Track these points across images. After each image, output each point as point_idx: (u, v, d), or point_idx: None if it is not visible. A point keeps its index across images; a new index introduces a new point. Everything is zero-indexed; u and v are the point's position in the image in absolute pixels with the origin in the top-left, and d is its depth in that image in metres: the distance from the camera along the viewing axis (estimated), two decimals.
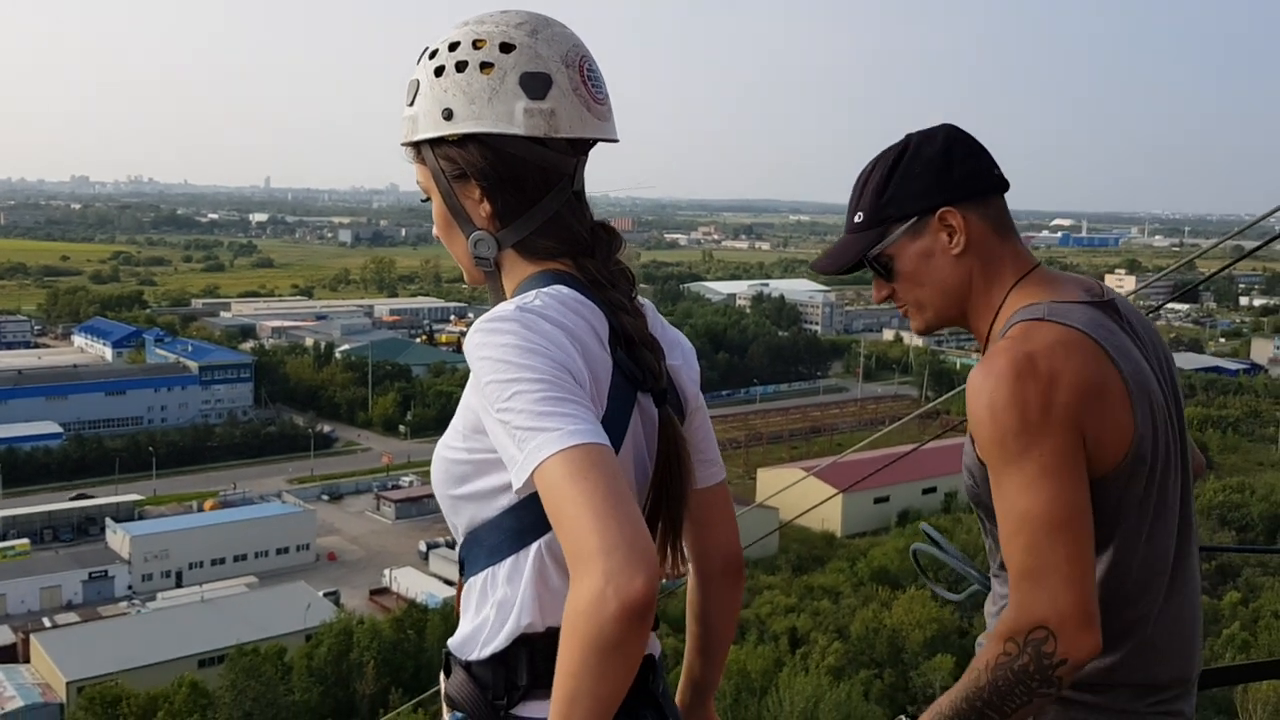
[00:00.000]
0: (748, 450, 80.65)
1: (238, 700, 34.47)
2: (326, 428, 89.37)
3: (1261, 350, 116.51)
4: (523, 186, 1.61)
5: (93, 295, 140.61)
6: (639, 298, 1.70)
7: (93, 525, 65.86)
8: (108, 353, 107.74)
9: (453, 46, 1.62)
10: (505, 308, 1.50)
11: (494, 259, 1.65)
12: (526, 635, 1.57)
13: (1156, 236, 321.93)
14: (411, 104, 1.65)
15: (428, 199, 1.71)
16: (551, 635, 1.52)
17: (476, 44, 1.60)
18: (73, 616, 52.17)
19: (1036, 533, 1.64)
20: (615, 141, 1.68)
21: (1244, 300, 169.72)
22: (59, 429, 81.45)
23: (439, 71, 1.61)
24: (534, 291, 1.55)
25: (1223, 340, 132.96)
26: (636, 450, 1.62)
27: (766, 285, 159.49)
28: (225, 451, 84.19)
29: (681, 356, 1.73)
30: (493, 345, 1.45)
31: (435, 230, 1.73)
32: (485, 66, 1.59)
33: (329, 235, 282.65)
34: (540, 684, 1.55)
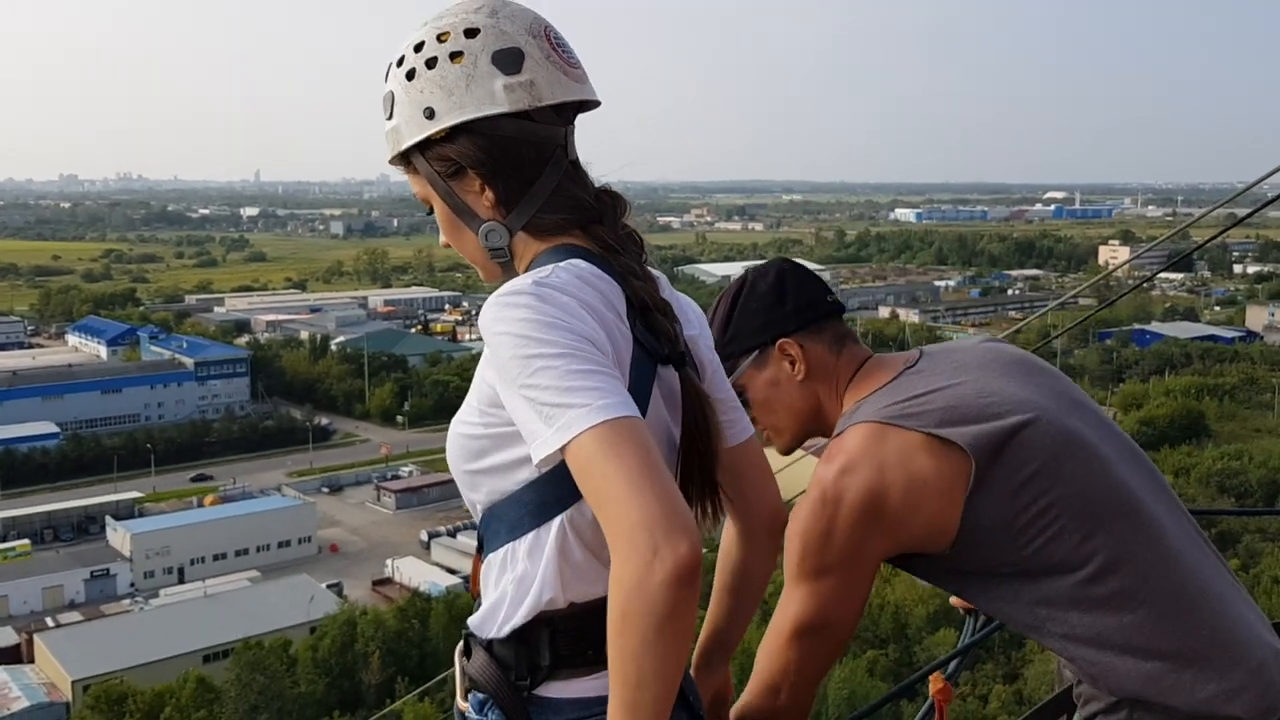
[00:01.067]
0: None
1: (243, 694, 34.55)
2: (324, 420, 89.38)
3: (1257, 317, 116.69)
4: (520, 165, 1.61)
5: (85, 294, 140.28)
6: (650, 269, 1.68)
7: (93, 524, 65.90)
8: (102, 351, 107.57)
9: (418, 48, 1.62)
10: (521, 282, 1.49)
11: (508, 246, 1.64)
12: (547, 612, 1.56)
13: (1150, 207, 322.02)
14: (390, 117, 1.64)
15: (431, 211, 1.69)
16: (573, 611, 1.55)
17: (441, 38, 1.60)
18: (76, 616, 52.27)
19: (798, 627, 1.91)
20: (598, 104, 1.67)
21: (1238, 268, 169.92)
22: (56, 429, 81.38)
23: (411, 75, 1.61)
24: (549, 266, 1.53)
25: (1218, 308, 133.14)
26: (660, 421, 1.61)
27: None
28: (223, 447, 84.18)
29: (697, 325, 1.75)
30: (510, 320, 1.44)
31: (443, 238, 1.71)
32: (455, 56, 1.59)
33: (321, 227, 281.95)
34: (563, 664, 1.57)
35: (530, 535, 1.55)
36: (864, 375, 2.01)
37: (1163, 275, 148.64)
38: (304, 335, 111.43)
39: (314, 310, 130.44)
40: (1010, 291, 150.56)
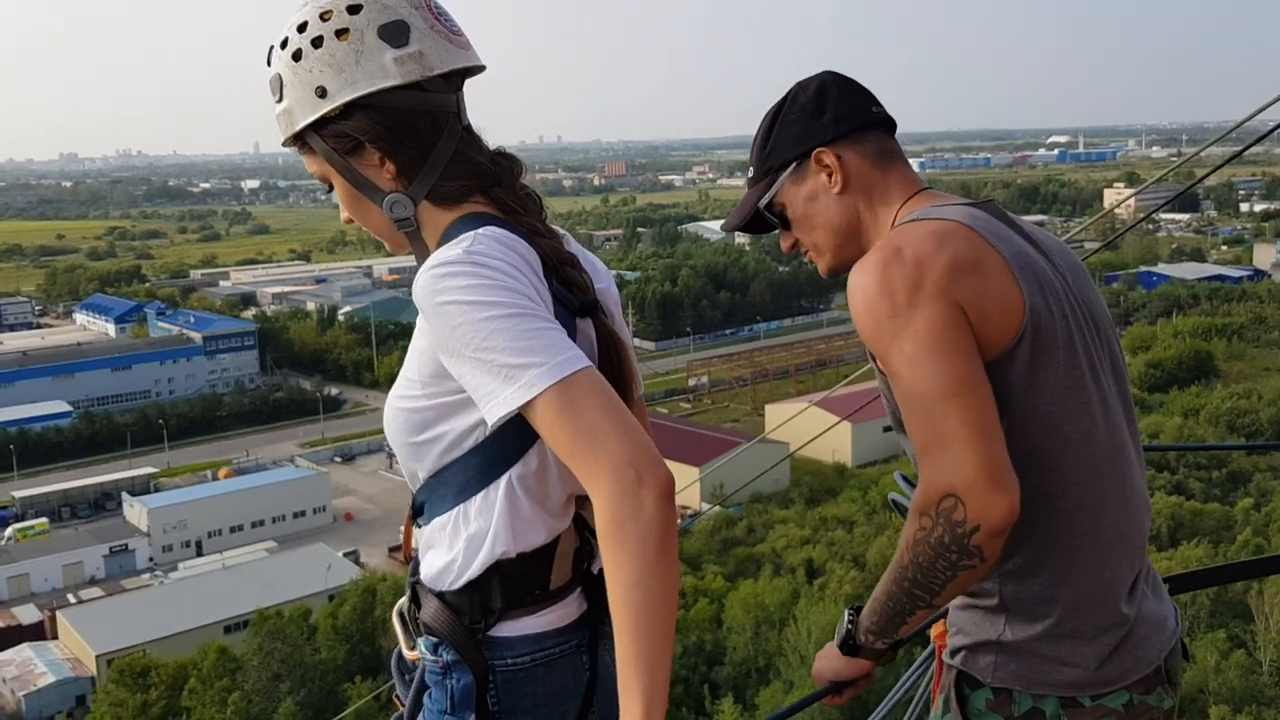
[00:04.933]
0: (754, 387, 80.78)
1: (265, 663, 34.88)
2: (334, 390, 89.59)
3: (1264, 256, 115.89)
4: (417, 135, 1.63)
5: (91, 272, 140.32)
6: (552, 225, 1.72)
7: (109, 500, 66.33)
8: (110, 329, 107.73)
9: (301, 28, 1.63)
10: (451, 252, 1.51)
11: (412, 216, 1.66)
12: (499, 562, 1.61)
13: (1154, 148, 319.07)
14: (280, 99, 1.66)
15: (330, 189, 1.71)
16: (523, 559, 1.60)
17: (324, 16, 1.61)
18: (97, 591, 52.72)
19: (929, 405, 1.63)
20: (483, 68, 1.70)
21: (1244, 207, 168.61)
22: (68, 408, 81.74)
23: (297, 56, 1.62)
24: (469, 234, 1.56)
25: (1224, 248, 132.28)
26: None
27: None
28: (235, 420, 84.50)
29: (605, 279, 1.76)
30: (453, 289, 1.46)
31: (344, 214, 1.74)
32: (341, 33, 1.60)
33: (323, 198, 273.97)
34: (514, 605, 1.63)
35: (479, 496, 1.61)
36: (932, 197, 1.87)
37: (1168, 216, 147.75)
38: (310, 306, 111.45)
39: (319, 281, 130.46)
40: None
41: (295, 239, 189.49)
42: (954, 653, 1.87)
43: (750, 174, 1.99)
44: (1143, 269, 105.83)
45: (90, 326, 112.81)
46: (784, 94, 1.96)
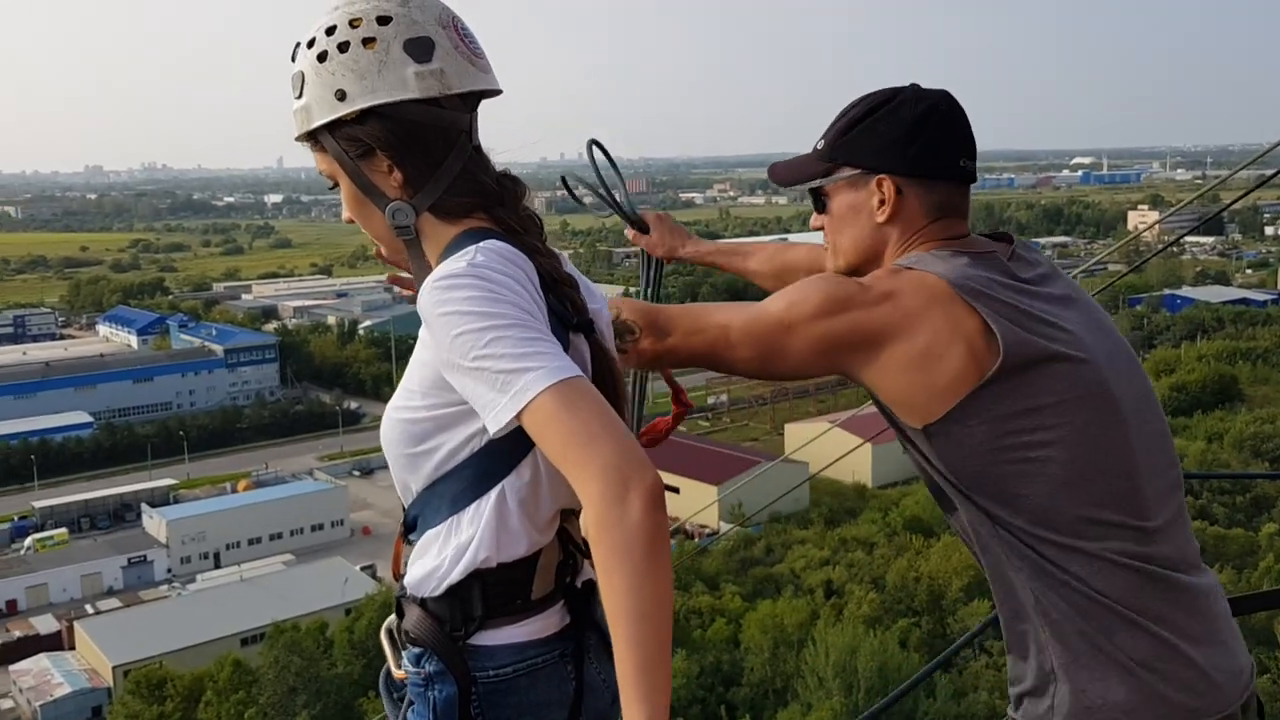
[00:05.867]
0: (774, 406, 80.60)
1: (281, 676, 34.88)
2: (353, 404, 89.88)
3: None
4: (428, 149, 1.67)
5: (114, 284, 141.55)
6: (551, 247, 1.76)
7: (129, 511, 66.66)
8: (133, 340, 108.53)
9: (330, 31, 1.67)
10: (455, 265, 1.55)
11: (413, 225, 1.70)
12: (480, 570, 1.63)
13: (1179, 170, 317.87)
14: (300, 96, 1.70)
15: (335, 186, 1.75)
16: (503, 568, 1.64)
17: (353, 23, 1.65)
18: (114, 602, 52.94)
19: (741, 334, 1.86)
20: (499, 92, 1.75)
21: (1270, 230, 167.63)
22: (89, 419, 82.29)
23: (322, 57, 1.66)
24: (471, 248, 1.59)
25: (1249, 271, 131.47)
26: None
27: (786, 239, 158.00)
28: (255, 432, 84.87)
29: (599, 300, 1.80)
30: (456, 300, 1.50)
31: (346, 213, 1.77)
32: (367, 42, 1.64)
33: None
34: (494, 614, 1.65)
35: (471, 507, 1.63)
36: (934, 244, 1.89)
37: (1193, 239, 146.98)
38: (331, 320, 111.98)
39: (340, 295, 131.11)
40: None
41: (317, 253, 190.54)
42: None
43: (819, 146, 1.96)
44: (1167, 292, 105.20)
45: (113, 338, 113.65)
46: (892, 90, 1.91)
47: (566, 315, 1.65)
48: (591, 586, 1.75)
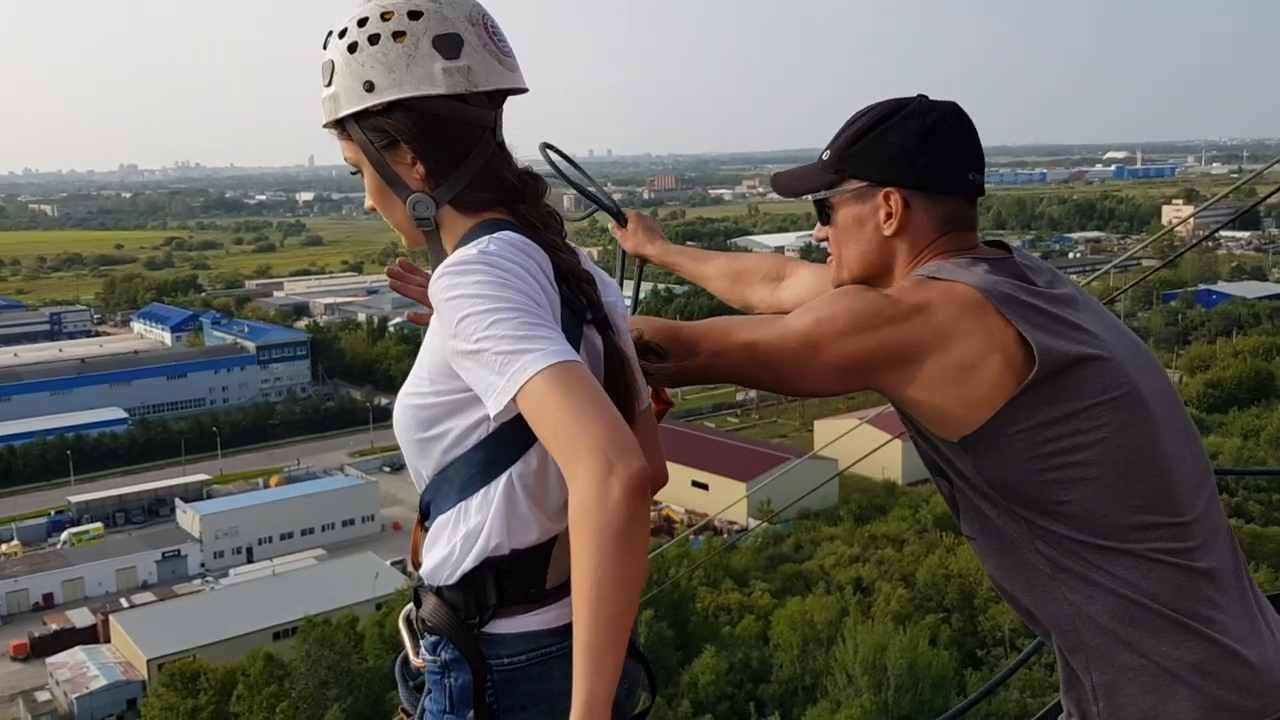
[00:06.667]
0: (803, 403, 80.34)
1: (313, 670, 35.11)
2: (383, 400, 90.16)
3: None
4: (451, 144, 1.70)
5: (148, 282, 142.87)
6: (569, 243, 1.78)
7: (163, 506, 67.30)
8: (167, 337, 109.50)
9: (361, 22, 1.69)
10: (466, 252, 1.58)
11: (433, 218, 1.73)
12: (493, 558, 1.65)
13: (1214, 164, 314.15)
14: (329, 84, 1.72)
15: (357, 172, 1.78)
16: (516, 556, 1.65)
17: (385, 16, 1.68)
18: (149, 596, 53.44)
19: (763, 357, 1.85)
20: (525, 91, 1.77)
21: None
22: (124, 415, 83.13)
23: (353, 48, 1.68)
24: (485, 238, 1.62)
25: None
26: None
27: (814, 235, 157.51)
28: (286, 429, 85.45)
29: (614, 294, 1.82)
30: (464, 285, 1.52)
31: (368, 202, 1.80)
32: (398, 35, 1.67)
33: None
34: (507, 601, 1.67)
35: (480, 493, 1.65)
36: (949, 255, 1.87)
37: (1229, 234, 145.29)
38: (361, 317, 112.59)
39: (370, 292, 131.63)
40: (1071, 255, 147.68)
41: (348, 250, 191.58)
42: None
43: (825, 156, 1.93)
44: (1202, 287, 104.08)
45: (147, 335, 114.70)
46: (903, 101, 1.88)
47: (581, 309, 1.67)
48: None
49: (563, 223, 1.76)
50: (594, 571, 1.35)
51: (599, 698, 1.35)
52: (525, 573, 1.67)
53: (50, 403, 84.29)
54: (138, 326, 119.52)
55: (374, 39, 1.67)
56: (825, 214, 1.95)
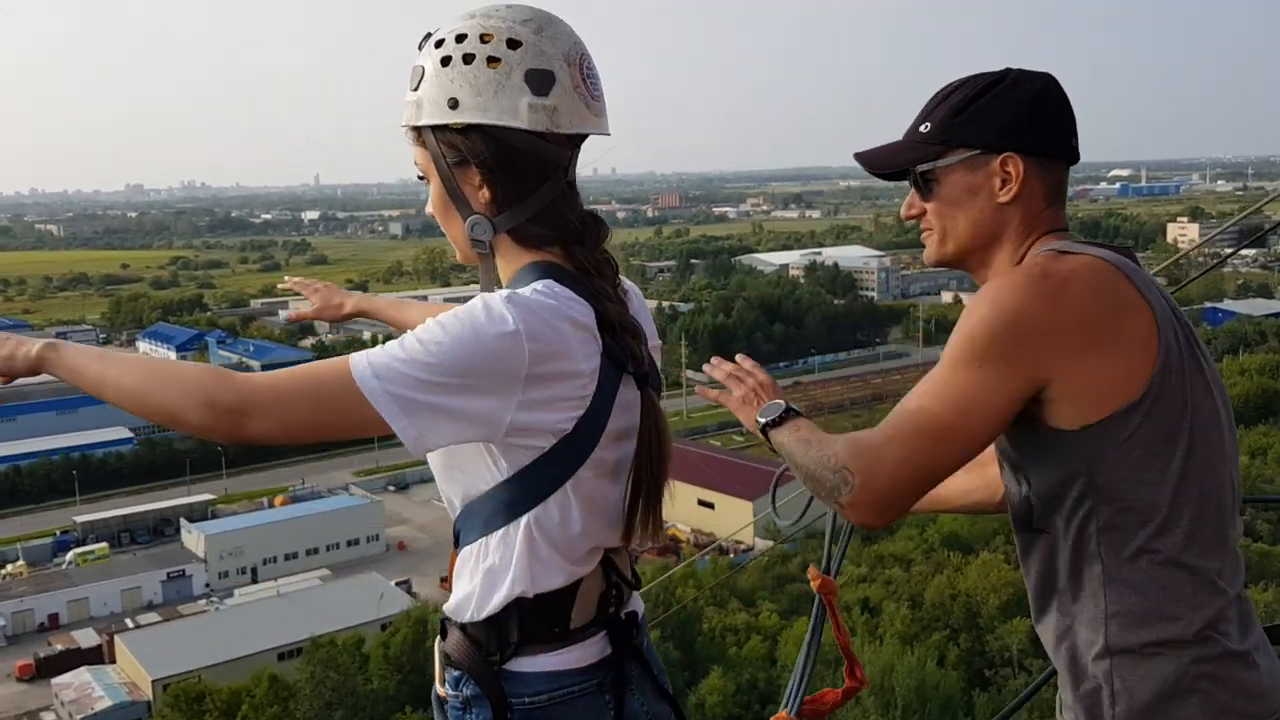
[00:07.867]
0: (811, 420, 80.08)
1: (317, 691, 35.01)
2: None
3: None
4: (522, 176, 1.69)
5: (154, 301, 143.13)
6: (624, 281, 1.79)
7: (168, 526, 67.25)
8: (172, 356, 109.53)
9: (460, 38, 1.68)
10: (496, 299, 1.59)
11: (489, 242, 1.74)
12: (519, 599, 1.68)
13: (1219, 181, 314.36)
14: (416, 89, 1.72)
15: (424, 178, 1.78)
16: (541, 599, 1.68)
17: (484, 38, 1.67)
18: (154, 616, 53.40)
19: (920, 420, 1.67)
20: (607, 136, 1.76)
21: None
22: (129, 434, 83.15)
23: (445, 61, 1.68)
24: (529, 287, 1.63)
25: None
26: (618, 429, 1.69)
27: (819, 254, 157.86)
28: (291, 448, 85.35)
29: (653, 338, 1.84)
30: (451, 324, 1.57)
31: (430, 209, 1.80)
32: (492, 61, 1.66)
33: (380, 229, 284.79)
34: (530, 640, 1.69)
35: (500, 532, 1.67)
36: (1057, 236, 1.84)
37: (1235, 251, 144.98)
38: (366, 335, 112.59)
39: None
40: None
41: (353, 269, 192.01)
42: None
43: (925, 128, 1.88)
44: (1209, 305, 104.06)
45: (153, 354, 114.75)
46: (997, 72, 1.87)
47: (623, 360, 1.67)
48: (635, 618, 1.77)
49: (617, 268, 1.76)
50: (135, 388, 1.63)
51: (105, 381, 1.64)
52: (549, 614, 1.68)
53: (56, 422, 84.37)
54: (143, 346, 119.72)
55: (468, 58, 1.66)
56: (927, 187, 1.89)
